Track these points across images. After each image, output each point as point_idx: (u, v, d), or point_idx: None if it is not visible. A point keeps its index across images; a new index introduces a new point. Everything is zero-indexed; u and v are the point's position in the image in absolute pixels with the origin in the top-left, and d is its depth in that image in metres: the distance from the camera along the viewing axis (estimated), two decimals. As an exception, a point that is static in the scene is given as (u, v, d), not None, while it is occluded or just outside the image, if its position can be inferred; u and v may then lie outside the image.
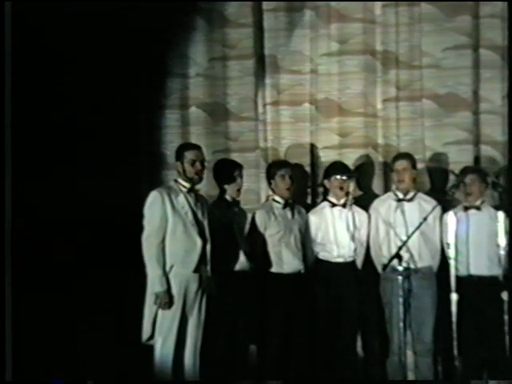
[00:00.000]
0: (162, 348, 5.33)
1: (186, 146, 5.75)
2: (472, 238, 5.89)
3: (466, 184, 5.99)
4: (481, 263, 5.88)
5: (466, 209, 5.99)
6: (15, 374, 5.23)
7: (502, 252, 5.40)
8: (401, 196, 6.13)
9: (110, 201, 6.09)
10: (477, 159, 6.59)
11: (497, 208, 5.83)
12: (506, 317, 5.29)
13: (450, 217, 5.60)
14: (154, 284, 5.32)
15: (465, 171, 6.12)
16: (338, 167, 6.25)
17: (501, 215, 5.41)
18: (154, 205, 5.40)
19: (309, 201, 6.71)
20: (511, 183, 5.98)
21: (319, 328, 6.05)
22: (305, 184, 6.68)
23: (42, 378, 5.37)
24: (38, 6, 5.87)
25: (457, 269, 5.48)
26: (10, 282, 5.26)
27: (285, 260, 5.97)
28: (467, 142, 6.59)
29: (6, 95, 5.38)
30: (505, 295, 5.33)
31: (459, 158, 6.54)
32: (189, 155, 5.54)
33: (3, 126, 5.35)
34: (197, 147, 5.69)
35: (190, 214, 5.45)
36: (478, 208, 5.99)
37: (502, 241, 5.37)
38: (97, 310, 5.63)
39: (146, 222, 5.39)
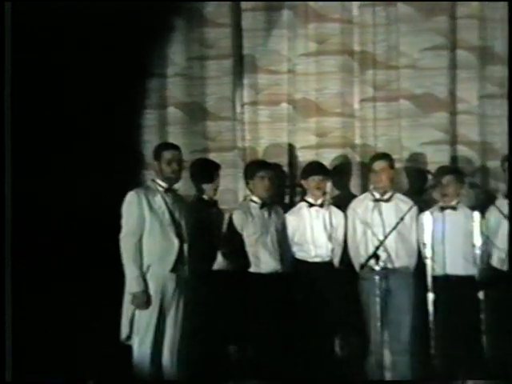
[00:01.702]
0: (140, 348, 5.34)
1: (163, 146, 5.75)
2: (448, 238, 5.93)
3: (443, 184, 6.03)
4: (457, 263, 5.93)
5: (443, 209, 6.03)
6: (15, 374, 5.22)
7: (478, 251, 5.42)
8: (378, 196, 6.16)
9: (87, 200, 6.07)
10: (453, 159, 6.62)
11: (473, 208, 5.86)
12: (482, 316, 5.32)
13: (427, 217, 5.64)
14: (131, 284, 5.32)
15: (441, 171, 6.16)
16: (314, 167, 6.27)
17: (476, 215, 5.44)
18: (131, 205, 5.39)
19: (287, 201, 6.71)
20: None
21: (297, 327, 6.05)
22: (282, 184, 6.68)
23: (42, 378, 5.37)
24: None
25: (433, 268, 5.52)
26: (9, 282, 5.25)
27: (262, 260, 5.98)
28: (444, 143, 6.62)
29: (5, 95, 5.39)
30: (481, 294, 5.35)
31: (436, 158, 6.58)
32: (166, 155, 5.54)
33: (3, 125, 5.34)
34: (174, 147, 5.69)
35: (167, 214, 5.45)
36: (453, 208, 6.03)
37: (478, 240, 5.40)
38: (97, 309, 5.61)
39: (123, 222, 5.39)
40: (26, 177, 5.54)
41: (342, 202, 6.39)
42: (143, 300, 5.31)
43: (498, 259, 5.98)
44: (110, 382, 5.50)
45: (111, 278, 5.48)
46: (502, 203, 5.97)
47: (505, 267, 5.94)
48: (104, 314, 5.62)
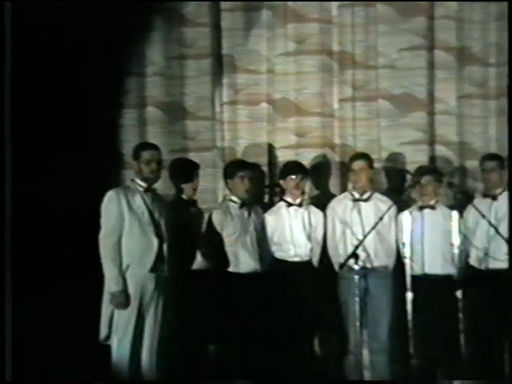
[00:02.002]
0: (119, 347, 5.32)
1: (142, 146, 5.74)
2: (427, 238, 5.96)
3: (421, 184, 6.05)
4: (435, 262, 5.95)
5: (421, 208, 6.05)
6: (15, 374, 5.20)
7: (456, 251, 5.45)
8: (357, 196, 6.17)
9: (66, 200, 6.05)
10: (432, 159, 6.66)
11: (451, 207, 5.89)
12: (460, 315, 5.35)
13: (406, 216, 5.67)
14: (110, 283, 5.31)
15: (420, 171, 6.19)
16: (292, 167, 6.28)
17: (455, 215, 5.46)
18: (110, 204, 5.38)
19: (266, 200, 6.72)
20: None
21: (276, 327, 6.05)
22: (262, 184, 6.68)
23: (42, 378, 5.38)
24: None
25: (412, 268, 5.55)
26: (9, 281, 5.22)
27: (241, 260, 5.98)
28: (422, 142, 6.66)
29: (5, 95, 5.37)
30: (459, 293, 5.38)
31: (415, 158, 6.61)
32: (145, 155, 5.53)
33: (3, 125, 5.32)
34: (153, 147, 5.68)
35: (146, 214, 5.44)
36: (432, 207, 6.05)
37: (456, 240, 5.43)
38: (97, 309, 5.58)
39: (102, 222, 5.37)
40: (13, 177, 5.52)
41: (321, 201, 6.40)
42: (122, 300, 5.30)
43: (475, 258, 6.02)
44: (110, 382, 5.48)
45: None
46: (480, 202, 6.02)
47: (483, 266, 5.99)
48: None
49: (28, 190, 5.72)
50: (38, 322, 5.71)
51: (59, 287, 5.74)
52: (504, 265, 5.58)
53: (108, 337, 5.35)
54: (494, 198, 6.05)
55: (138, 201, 5.44)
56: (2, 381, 5.06)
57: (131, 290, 5.34)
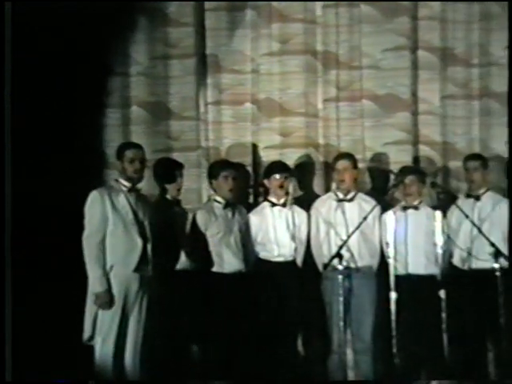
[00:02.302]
0: (102, 348, 5.30)
1: (126, 145, 5.73)
2: (410, 238, 5.97)
3: (405, 184, 6.06)
4: (419, 262, 5.97)
5: (405, 208, 6.07)
6: (15, 374, 5.21)
7: (439, 251, 5.47)
8: (341, 196, 6.18)
9: (51, 200, 6.03)
10: (415, 159, 6.67)
11: (434, 208, 5.91)
12: (443, 315, 5.36)
13: (389, 216, 5.69)
14: (93, 284, 5.30)
15: (404, 171, 6.20)
16: (276, 166, 6.28)
17: (438, 215, 5.48)
18: (93, 204, 5.37)
19: (251, 200, 6.72)
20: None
21: (261, 327, 6.05)
22: (246, 184, 6.68)
23: (42, 378, 5.36)
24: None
25: (395, 268, 5.57)
26: (9, 282, 5.24)
27: (225, 260, 5.97)
28: (406, 143, 6.67)
29: (5, 95, 5.39)
30: (442, 293, 5.40)
31: (398, 158, 6.62)
32: (128, 154, 5.52)
33: (3, 125, 5.35)
34: (137, 146, 5.67)
35: (130, 214, 5.43)
36: (416, 208, 6.06)
37: (439, 240, 5.44)
38: None
39: (85, 222, 5.36)
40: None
41: (306, 201, 6.41)
42: (106, 300, 5.28)
43: (459, 258, 6.05)
44: (110, 382, 5.47)
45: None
46: (464, 203, 6.04)
47: (466, 266, 6.01)
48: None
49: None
50: (37, 322, 5.72)
51: (59, 287, 5.73)
52: (487, 265, 5.58)
53: (92, 337, 5.33)
54: (477, 198, 6.08)
55: (121, 201, 5.43)
56: (2, 381, 5.08)
57: (115, 290, 5.33)
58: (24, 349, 5.43)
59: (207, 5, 6.85)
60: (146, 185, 5.99)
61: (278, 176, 6.17)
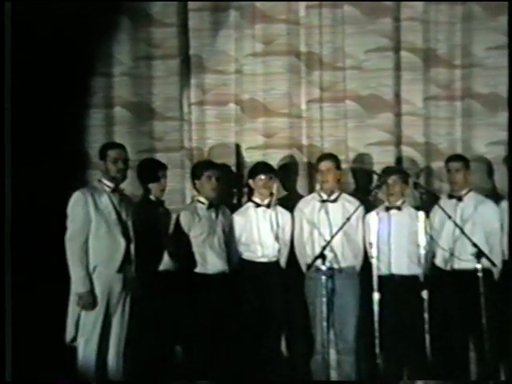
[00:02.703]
0: (85, 349, 5.30)
1: (109, 145, 5.73)
2: (393, 238, 5.98)
3: (388, 184, 6.08)
4: (401, 262, 5.98)
5: (388, 209, 6.08)
6: (15, 374, 5.21)
7: (422, 251, 5.49)
8: (325, 197, 6.18)
9: (33, 200, 6.01)
10: (398, 160, 6.69)
11: (417, 208, 5.93)
12: (426, 315, 5.38)
13: (373, 217, 5.70)
14: (76, 284, 5.28)
15: (387, 172, 6.22)
16: (261, 167, 6.29)
17: (421, 215, 5.50)
18: (76, 205, 5.36)
19: (234, 201, 6.72)
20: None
21: (244, 328, 6.06)
22: (230, 184, 6.68)
23: (42, 378, 5.37)
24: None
25: (379, 268, 5.59)
26: (9, 282, 5.24)
27: (209, 260, 5.97)
28: (389, 143, 6.69)
29: (5, 95, 5.39)
30: (425, 294, 5.42)
31: (382, 159, 6.64)
32: (111, 154, 5.52)
33: (3, 125, 5.34)
34: (120, 146, 5.67)
35: (113, 214, 5.43)
36: (399, 208, 6.08)
37: (422, 240, 5.46)
38: None
39: (68, 223, 5.35)
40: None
41: (289, 202, 6.41)
42: (89, 301, 5.28)
43: (441, 259, 6.06)
44: (111, 382, 5.47)
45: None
46: (446, 203, 6.06)
47: (448, 267, 6.03)
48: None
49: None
50: (37, 322, 5.70)
51: (59, 287, 5.68)
52: (469, 265, 5.61)
53: (75, 338, 5.32)
54: (460, 198, 6.10)
55: (105, 201, 5.42)
56: (2, 381, 5.07)
57: (98, 290, 5.32)
58: (24, 349, 5.43)
59: (191, 5, 6.84)
60: (130, 185, 6.00)
61: (263, 176, 6.18)
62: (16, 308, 5.30)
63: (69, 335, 5.33)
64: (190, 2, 6.84)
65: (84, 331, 5.31)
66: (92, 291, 5.29)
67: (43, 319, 5.69)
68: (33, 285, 5.70)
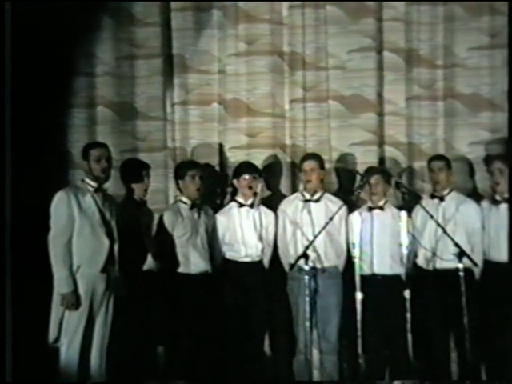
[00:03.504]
0: (68, 349, 5.28)
1: (91, 145, 5.72)
2: (376, 238, 6.01)
3: (371, 184, 6.09)
4: (384, 262, 6.00)
5: (371, 209, 6.10)
6: (15, 374, 5.21)
7: (405, 251, 5.51)
8: (308, 196, 6.20)
9: (16, 201, 5.98)
10: (381, 160, 6.71)
11: (400, 208, 5.95)
12: (408, 315, 5.41)
13: (355, 217, 5.72)
14: (60, 285, 5.28)
15: (369, 172, 6.23)
16: (246, 167, 6.29)
17: (403, 215, 5.52)
18: (59, 205, 5.35)
19: (218, 201, 6.71)
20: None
21: (227, 327, 6.07)
22: (213, 184, 6.68)
23: (41, 378, 5.38)
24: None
25: (361, 268, 5.60)
26: (9, 282, 5.24)
27: (192, 260, 5.97)
28: (372, 143, 6.70)
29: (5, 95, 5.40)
30: (407, 293, 5.44)
31: (364, 159, 6.65)
32: (94, 153, 5.51)
33: (3, 125, 5.36)
34: (103, 145, 5.66)
35: (97, 214, 5.42)
36: (381, 208, 6.10)
37: (404, 240, 5.48)
38: None
39: (52, 223, 5.34)
40: None
41: (273, 202, 6.42)
42: (73, 301, 5.27)
43: (423, 258, 6.09)
44: (109, 382, 5.47)
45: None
46: (428, 203, 6.09)
47: (430, 266, 6.06)
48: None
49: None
50: (38, 322, 5.63)
51: None
52: (451, 265, 5.64)
53: (58, 339, 5.31)
54: (442, 198, 6.12)
55: (88, 201, 5.42)
56: (2, 381, 5.07)
57: (82, 290, 5.31)
58: (24, 349, 5.43)
59: (173, 5, 6.84)
60: (113, 185, 5.98)
61: (247, 176, 6.18)
62: (16, 308, 5.30)
63: (52, 336, 5.32)
64: (172, 2, 6.83)
65: (67, 332, 5.29)
66: (75, 291, 5.28)
67: (43, 319, 5.67)
68: (33, 285, 5.67)
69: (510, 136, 6.23)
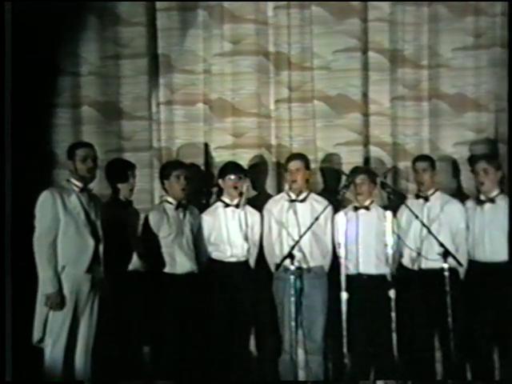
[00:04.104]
0: (53, 349, 5.27)
1: (77, 144, 5.70)
2: (361, 238, 6.02)
3: (356, 184, 6.11)
4: (369, 262, 6.02)
5: (356, 209, 6.12)
6: (15, 374, 5.20)
7: (390, 251, 5.52)
8: (293, 196, 6.20)
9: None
10: (366, 160, 6.72)
11: (385, 208, 5.97)
12: (393, 314, 5.42)
13: (341, 217, 5.74)
14: (45, 285, 5.26)
15: (355, 172, 6.25)
16: (232, 167, 6.29)
17: (388, 215, 5.53)
18: (44, 205, 5.33)
19: (203, 201, 6.71)
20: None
21: (213, 327, 6.07)
22: (199, 184, 6.67)
23: (41, 379, 5.34)
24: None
25: (347, 268, 5.62)
26: (9, 282, 5.24)
27: (178, 260, 5.97)
28: (357, 143, 6.72)
29: (5, 95, 5.40)
30: (392, 293, 5.46)
31: (350, 159, 6.67)
32: (80, 152, 5.50)
33: (3, 124, 5.36)
34: (88, 145, 5.65)
35: (82, 214, 5.41)
36: (367, 208, 6.12)
37: (390, 240, 5.50)
38: None
39: (36, 223, 5.32)
40: None
41: (258, 202, 6.42)
42: (58, 301, 5.25)
43: (408, 258, 6.10)
44: (107, 382, 5.46)
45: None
46: (413, 203, 6.11)
47: (415, 266, 6.07)
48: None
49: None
50: None
51: None
52: (436, 264, 5.66)
53: (42, 339, 5.29)
54: (427, 198, 6.15)
55: (73, 201, 5.41)
56: (2, 381, 5.06)
57: (67, 291, 5.30)
58: (24, 349, 5.38)
59: (158, 5, 6.83)
60: (98, 185, 5.98)
61: (232, 176, 6.18)
62: (16, 308, 5.30)
63: (36, 336, 5.30)
64: (157, 2, 6.83)
65: (52, 332, 5.28)
66: (60, 291, 5.27)
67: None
68: (33, 285, 5.66)
69: (510, 136, 6.25)
